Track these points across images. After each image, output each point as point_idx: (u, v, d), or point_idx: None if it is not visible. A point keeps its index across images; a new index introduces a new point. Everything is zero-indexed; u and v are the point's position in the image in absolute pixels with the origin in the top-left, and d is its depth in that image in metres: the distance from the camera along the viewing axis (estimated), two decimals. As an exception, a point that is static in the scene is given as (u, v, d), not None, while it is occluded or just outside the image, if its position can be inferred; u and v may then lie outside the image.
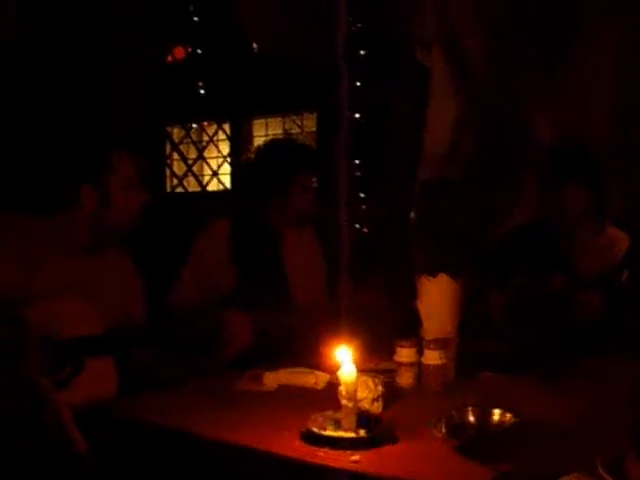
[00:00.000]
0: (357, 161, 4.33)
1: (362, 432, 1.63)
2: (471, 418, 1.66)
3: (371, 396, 1.82)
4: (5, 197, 3.12)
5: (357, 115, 4.28)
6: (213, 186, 6.19)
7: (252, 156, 3.09)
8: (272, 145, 3.15)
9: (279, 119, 6.04)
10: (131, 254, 2.52)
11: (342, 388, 1.65)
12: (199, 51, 5.62)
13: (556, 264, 2.77)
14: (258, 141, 5.76)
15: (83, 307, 2.00)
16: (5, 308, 1.82)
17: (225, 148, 6.21)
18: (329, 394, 1.85)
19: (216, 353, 2.35)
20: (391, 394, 1.92)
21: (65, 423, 1.65)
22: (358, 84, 4.25)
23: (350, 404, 1.64)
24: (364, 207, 4.22)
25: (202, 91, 5.64)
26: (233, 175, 5.90)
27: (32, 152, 3.58)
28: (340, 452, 1.54)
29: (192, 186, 6.38)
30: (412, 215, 3.85)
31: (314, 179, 2.91)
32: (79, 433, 1.66)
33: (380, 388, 1.84)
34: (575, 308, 2.63)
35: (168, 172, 6.47)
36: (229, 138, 6.19)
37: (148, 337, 2.24)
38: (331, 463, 1.50)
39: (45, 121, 3.96)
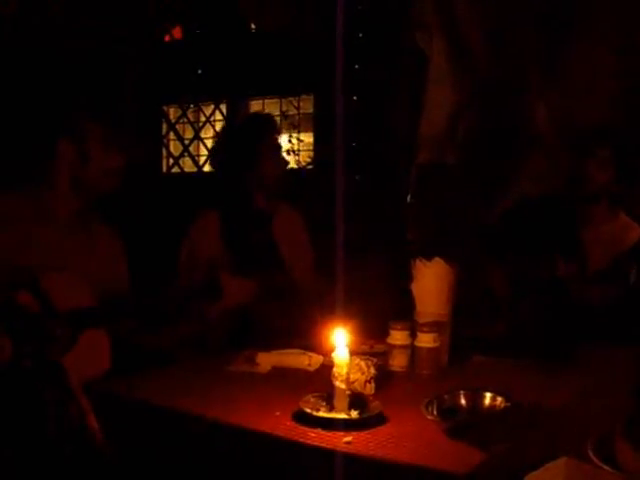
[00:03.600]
0: (354, 143, 4.32)
1: (354, 413, 1.63)
2: (462, 401, 1.67)
3: (364, 378, 1.83)
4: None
5: (354, 97, 4.27)
6: (209, 167, 6.18)
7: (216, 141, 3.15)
8: (228, 125, 3.23)
9: (276, 100, 6.03)
10: (115, 230, 2.53)
11: (335, 370, 1.65)
12: (197, 31, 5.59)
13: (563, 247, 2.77)
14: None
15: (74, 281, 2.00)
16: (24, 276, 1.82)
17: (221, 129, 6.20)
18: (322, 375, 1.86)
19: (205, 311, 2.37)
20: (384, 376, 1.93)
21: (85, 412, 1.67)
22: (356, 66, 4.24)
23: (343, 386, 1.65)
24: (360, 190, 4.21)
25: (199, 71, 5.62)
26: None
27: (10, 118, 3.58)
28: (332, 433, 1.55)
29: (188, 166, 6.37)
30: (408, 198, 3.85)
31: (276, 139, 2.98)
32: (96, 423, 1.67)
33: (373, 370, 1.85)
34: (577, 300, 2.62)
35: (164, 152, 6.46)
36: (226, 118, 6.18)
37: (135, 308, 2.25)
38: (323, 444, 1.51)
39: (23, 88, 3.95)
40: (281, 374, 2.08)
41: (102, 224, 2.49)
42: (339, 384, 1.65)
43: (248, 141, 2.84)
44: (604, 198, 2.83)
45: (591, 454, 1.32)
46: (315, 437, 1.54)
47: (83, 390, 1.71)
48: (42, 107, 2.46)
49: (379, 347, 2.20)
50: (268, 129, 2.93)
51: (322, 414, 1.63)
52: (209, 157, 5.97)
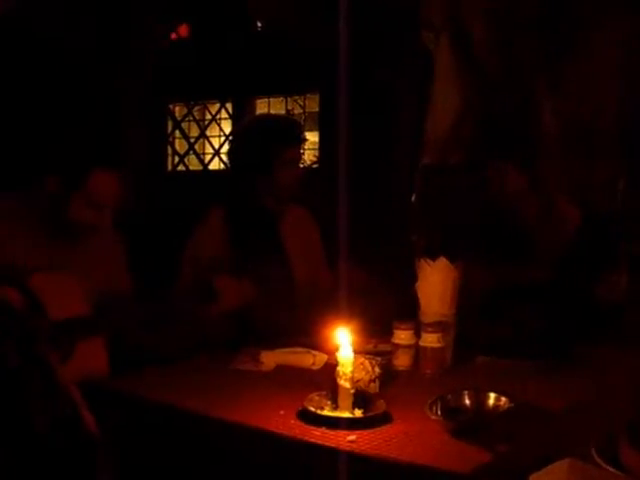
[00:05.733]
0: (359, 143, 4.32)
1: (358, 412, 1.64)
2: (466, 401, 1.67)
3: (368, 377, 1.83)
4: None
5: (360, 96, 4.27)
6: (214, 165, 6.19)
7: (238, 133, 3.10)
8: (253, 122, 3.14)
9: (281, 99, 6.03)
10: (118, 231, 2.52)
11: (339, 369, 1.66)
12: (203, 30, 5.59)
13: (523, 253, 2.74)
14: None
15: (65, 281, 1.98)
16: (11, 275, 1.81)
17: (227, 127, 6.21)
18: (326, 374, 1.87)
19: (200, 312, 2.36)
20: (388, 376, 1.94)
21: (77, 404, 1.66)
22: (362, 65, 4.23)
23: (347, 385, 1.65)
24: (365, 189, 4.21)
25: (205, 69, 5.62)
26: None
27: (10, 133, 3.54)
28: (336, 432, 1.56)
29: (193, 165, 6.37)
30: (412, 199, 3.85)
31: (298, 151, 2.90)
32: (90, 414, 1.67)
33: (377, 369, 1.85)
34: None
35: (170, 150, 6.46)
36: (231, 117, 6.19)
37: (137, 314, 2.24)
38: (327, 442, 1.52)
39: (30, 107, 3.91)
40: (285, 373, 2.09)
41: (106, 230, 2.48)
42: (343, 383, 1.65)
43: (267, 150, 2.77)
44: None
45: (595, 455, 1.32)
46: (319, 436, 1.55)
47: (77, 386, 1.70)
48: (34, 139, 2.36)
49: (383, 346, 2.20)
50: (290, 139, 2.84)
51: (326, 413, 1.63)
52: (220, 148, 5.99)
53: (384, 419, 1.63)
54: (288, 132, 2.87)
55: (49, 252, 2.22)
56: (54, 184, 2.20)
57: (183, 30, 5.86)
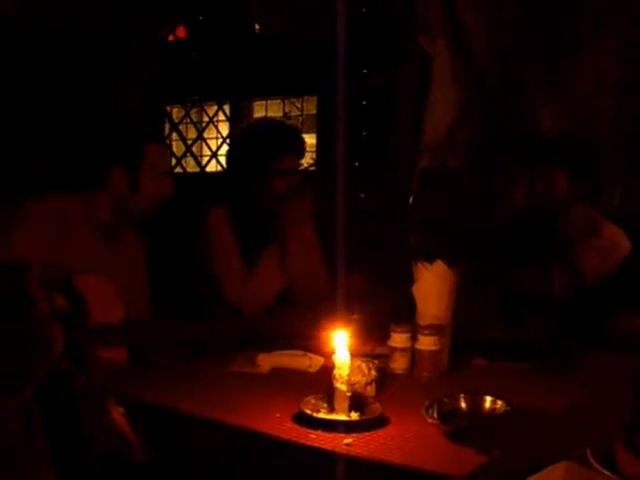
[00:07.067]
0: (357, 146, 4.32)
1: (355, 415, 1.64)
2: (463, 405, 1.68)
3: (364, 380, 1.83)
4: (41, 175, 3.17)
5: (358, 99, 4.27)
6: (212, 167, 6.18)
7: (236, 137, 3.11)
8: (253, 126, 3.13)
9: (279, 101, 6.03)
10: (144, 237, 2.60)
11: (336, 371, 1.66)
12: (201, 32, 5.59)
13: (557, 259, 2.73)
14: (258, 123, 5.71)
15: (112, 291, 1.99)
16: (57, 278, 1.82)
17: (225, 129, 6.20)
18: (323, 377, 1.86)
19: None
20: (384, 379, 1.93)
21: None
22: (360, 68, 4.24)
23: (343, 387, 1.65)
24: (362, 192, 4.21)
25: (203, 71, 5.62)
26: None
27: (69, 130, 3.59)
28: (332, 435, 1.56)
29: (191, 167, 6.37)
30: (410, 201, 3.85)
31: (296, 162, 2.89)
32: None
33: (373, 372, 1.85)
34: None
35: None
36: (229, 119, 6.18)
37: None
38: (323, 445, 1.52)
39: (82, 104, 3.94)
40: (281, 375, 2.08)
41: (133, 232, 2.58)
42: (340, 386, 1.65)
43: (264, 150, 2.78)
44: (572, 210, 2.75)
45: (591, 459, 1.32)
46: (315, 439, 1.55)
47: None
48: (94, 132, 2.60)
49: (380, 349, 2.20)
50: (289, 146, 2.83)
51: (322, 416, 1.63)
52: (218, 150, 5.98)
53: (380, 422, 1.63)
54: (289, 139, 2.87)
55: (103, 254, 2.39)
56: (118, 175, 2.42)
57: (181, 32, 5.85)
